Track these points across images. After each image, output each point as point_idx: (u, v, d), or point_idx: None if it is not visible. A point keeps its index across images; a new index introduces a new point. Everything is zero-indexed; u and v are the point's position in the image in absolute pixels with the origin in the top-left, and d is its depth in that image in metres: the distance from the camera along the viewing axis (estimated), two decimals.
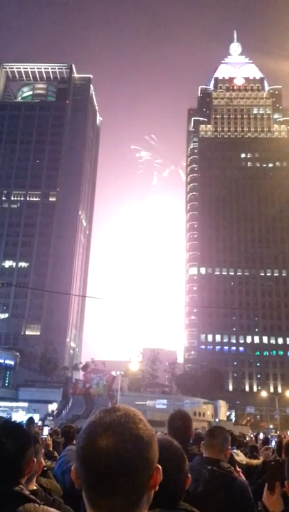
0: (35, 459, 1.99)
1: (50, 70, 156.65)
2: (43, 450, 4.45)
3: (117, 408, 1.16)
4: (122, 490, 1.05)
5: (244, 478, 3.35)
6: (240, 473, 5.52)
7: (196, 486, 3.08)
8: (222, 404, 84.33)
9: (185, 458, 2.12)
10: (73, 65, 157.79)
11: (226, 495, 3.07)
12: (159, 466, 1.14)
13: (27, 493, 1.83)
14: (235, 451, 7.55)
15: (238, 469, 5.57)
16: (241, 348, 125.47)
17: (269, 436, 21.22)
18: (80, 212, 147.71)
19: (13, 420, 2.08)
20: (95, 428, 1.11)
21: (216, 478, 3.13)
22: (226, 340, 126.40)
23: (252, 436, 24.15)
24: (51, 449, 7.23)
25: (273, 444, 11.80)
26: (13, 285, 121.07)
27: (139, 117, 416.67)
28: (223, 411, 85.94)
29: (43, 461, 2.92)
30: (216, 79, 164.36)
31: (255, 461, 7.62)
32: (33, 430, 3.12)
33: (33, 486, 2.64)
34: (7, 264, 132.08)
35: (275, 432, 58.85)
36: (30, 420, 14.71)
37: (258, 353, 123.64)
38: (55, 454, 6.88)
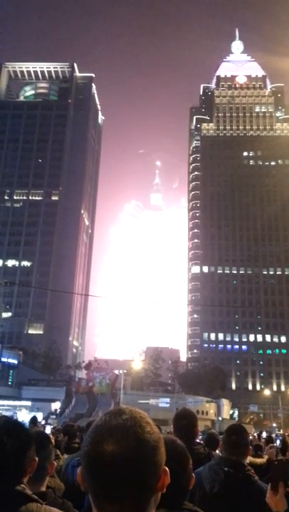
0: (36, 458, 1.96)
1: (52, 69, 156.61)
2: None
3: (122, 411, 1.14)
4: (129, 495, 1.04)
5: (264, 483, 3.30)
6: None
7: (212, 487, 3.06)
8: (225, 403, 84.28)
9: (189, 457, 2.10)
10: (75, 64, 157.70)
11: (243, 498, 3.00)
12: (167, 469, 1.12)
13: (29, 492, 1.82)
14: None
15: (249, 468, 5.50)
16: (244, 347, 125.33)
17: (273, 435, 21.16)
18: (82, 211, 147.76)
19: (14, 419, 2.05)
20: (101, 432, 1.09)
21: (233, 480, 3.07)
22: (228, 338, 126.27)
23: (255, 434, 24.07)
24: None
25: (278, 442, 11.76)
26: (16, 284, 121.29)
27: (141, 116, 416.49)
28: (226, 409, 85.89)
29: (54, 463, 2.88)
30: (218, 77, 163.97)
31: (259, 460, 7.57)
32: (33, 430, 3.05)
33: (43, 488, 2.60)
34: (10, 263, 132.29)
35: (279, 431, 58.82)
36: (34, 420, 14.70)
37: (261, 351, 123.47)
38: (58, 452, 6.85)
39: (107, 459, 1.04)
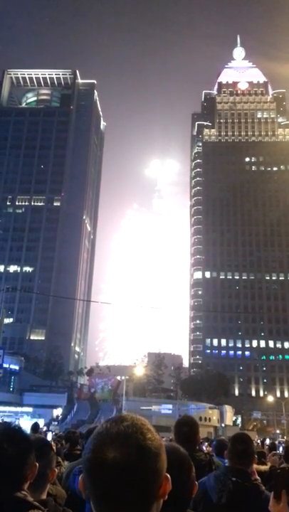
0: (37, 464, 1.95)
1: (54, 76, 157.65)
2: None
3: (124, 418, 1.14)
4: (131, 502, 1.04)
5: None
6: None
7: (220, 497, 3.01)
8: (228, 409, 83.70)
9: (192, 465, 2.09)
10: (77, 71, 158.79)
11: (252, 509, 2.96)
12: (168, 476, 1.12)
13: (31, 499, 1.80)
14: None
15: (257, 477, 5.43)
16: (247, 353, 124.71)
17: (276, 442, 20.97)
18: (84, 217, 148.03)
19: (13, 425, 2.05)
20: (102, 439, 1.09)
21: (241, 490, 3.02)
22: (231, 344, 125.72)
23: (258, 441, 23.84)
24: None
25: (281, 449, 11.64)
26: (17, 290, 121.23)
27: (143, 122, 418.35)
28: (229, 416, 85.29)
29: (56, 470, 2.83)
30: (220, 83, 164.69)
31: (262, 468, 7.46)
32: (33, 437, 2.99)
33: (44, 495, 2.56)
34: (12, 268, 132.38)
35: (282, 437, 58.33)
36: (35, 427, 14.58)
37: (264, 357, 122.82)
38: (59, 459, 6.77)
39: (108, 466, 1.04)
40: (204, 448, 10.72)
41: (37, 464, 1.95)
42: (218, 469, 3.38)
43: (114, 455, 1.05)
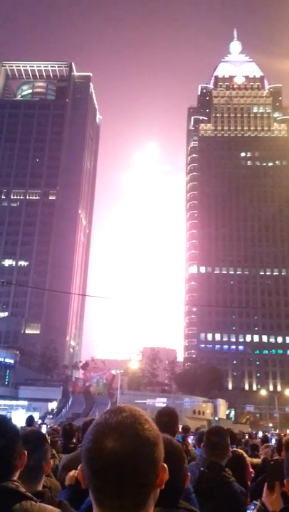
0: (25, 452, 1.94)
1: (49, 68, 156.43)
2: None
3: (122, 409, 1.16)
4: (129, 490, 1.06)
5: (238, 485, 3.39)
6: (252, 475, 5.51)
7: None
8: (222, 403, 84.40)
9: (184, 456, 2.13)
10: (73, 64, 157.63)
11: (212, 497, 3.10)
12: (165, 465, 1.14)
13: (23, 490, 1.82)
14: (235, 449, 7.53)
15: (251, 470, 5.56)
16: (241, 347, 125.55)
17: (269, 435, 21.22)
18: (79, 211, 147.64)
19: None
20: (101, 429, 1.10)
21: (205, 480, 3.18)
22: (225, 339, 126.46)
23: (252, 434, 24.01)
24: None
25: (273, 442, 11.82)
26: (12, 284, 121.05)
27: (139, 116, 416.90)
28: (223, 409, 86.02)
29: (51, 462, 2.90)
30: (216, 77, 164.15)
31: (255, 460, 7.60)
32: (28, 429, 3.06)
33: (40, 487, 2.59)
34: (7, 262, 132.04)
35: (275, 431, 58.95)
36: (30, 420, 14.66)
37: (257, 351, 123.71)
38: (53, 451, 6.85)
39: (107, 456, 1.06)
40: (191, 440, 10.92)
41: (25, 452, 1.95)
42: (196, 460, 3.54)
43: (113, 444, 1.07)
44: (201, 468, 3.23)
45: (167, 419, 3.77)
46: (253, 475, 5.70)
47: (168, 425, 3.70)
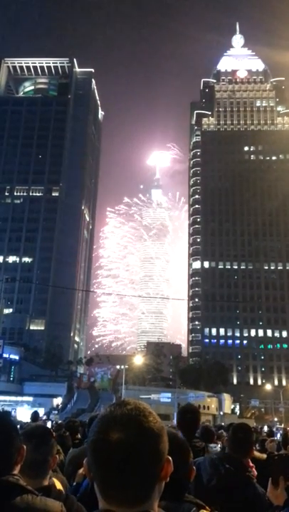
0: (24, 446, 1.95)
1: (51, 65, 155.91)
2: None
3: (127, 402, 1.18)
4: (135, 482, 1.07)
5: (260, 487, 3.35)
6: (254, 469, 5.49)
7: (211, 480, 3.13)
8: (226, 398, 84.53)
9: (190, 450, 2.17)
10: (75, 60, 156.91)
11: (237, 498, 3.06)
12: (170, 458, 1.15)
13: (23, 483, 1.83)
14: None
15: (251, 464, 5.53)
16: (245, 342, 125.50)
17: (274, 429, 21.21)
18: (83, 207, 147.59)
19: None
20: (106, 422, 1.12)
21: (232, 478, 3.12)
22: (229, 333, 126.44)
23: (258, 429, 23.96)
24: None
25: (279, 436, 11.79)
26: (17, 280, 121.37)
27: (141, 111, 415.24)
28: (228, 404, 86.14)
29: (57, 457, 2.89)
30: (219, 71, 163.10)
31: (258, 455, 7.55)
32: (34, 425, 3.05)
33: (47, 482, 2.59)
34: (11, 259, 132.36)
35: (280, 425, 59.00)
36: (35, 415, 14.71)
37: (262, 346, 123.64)
38: (58, 447, 6.85)
39: (112, 447, 1.07)
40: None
41: (24, 447, 1.95)
42: (215, 454, 3.52)
43: (118, 436, 1.08)
44: (227, 466, 3.17)
45: (190, 416, 3.87)
46: (254, 469, 5.66)
47: (190, 422, 3.83)
